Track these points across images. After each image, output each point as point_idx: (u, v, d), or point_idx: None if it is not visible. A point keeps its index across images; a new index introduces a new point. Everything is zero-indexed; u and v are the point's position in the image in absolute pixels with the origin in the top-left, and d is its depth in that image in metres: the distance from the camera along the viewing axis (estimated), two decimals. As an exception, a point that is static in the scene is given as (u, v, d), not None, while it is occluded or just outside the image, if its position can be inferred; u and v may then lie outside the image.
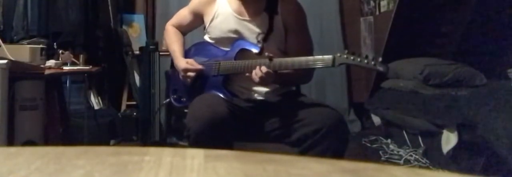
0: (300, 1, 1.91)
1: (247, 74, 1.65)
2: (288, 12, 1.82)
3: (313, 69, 1.78)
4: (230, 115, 1.58)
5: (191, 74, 1.81)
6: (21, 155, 0.55)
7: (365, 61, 1.48)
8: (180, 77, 1.86)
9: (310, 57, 1.58)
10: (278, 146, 1.70)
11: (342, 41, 4.13)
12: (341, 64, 1.52)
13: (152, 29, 4.08)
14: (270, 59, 1.62)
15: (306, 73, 1.79)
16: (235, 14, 1.83)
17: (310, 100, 1.82)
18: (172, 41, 1.97)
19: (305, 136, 1.57)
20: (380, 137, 3.41)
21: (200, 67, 1.82)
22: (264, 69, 1.60)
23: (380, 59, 1.47)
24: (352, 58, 1.50)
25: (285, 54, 1.80)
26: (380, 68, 1.47)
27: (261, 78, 1.61)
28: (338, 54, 1.52)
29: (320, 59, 1.55)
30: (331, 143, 1.55)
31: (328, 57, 1.53)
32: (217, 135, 1.53)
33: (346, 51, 1.52)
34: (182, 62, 1.84)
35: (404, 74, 3.24)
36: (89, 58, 2.95)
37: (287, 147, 1.67)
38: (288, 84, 1.89)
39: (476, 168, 2.41)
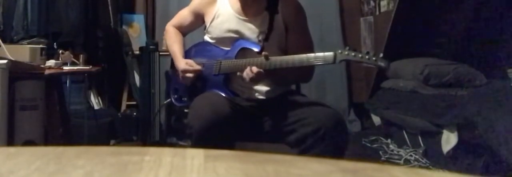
0: (300, 1, 1.91)
1: (238, 73, 1.66)
2: (288, 11, 1.82)
3: (313, 67, 1.78)
4: (232, 114, 1.58)
5: (189, 75, 1.81)
6: (21, 155, 0.55)
7: (367, 57, 1.49)
8: (180, 78, 1.86)
9: (311, 54, 1.58)
10: (278, 146, 1.70)
11: (342, 41, 4.13)
12: (342, 60, 1.53)
13: (152, 29, 4.08)
14: (266, 58, 1.62)
15: (306, 71, 1.80)
16: (236, 14, 1.83)
17: (309, 100, 1.82)
18: (172, 41, 1.97)
19: (305, 136, 1.57)
20: (380, 137, 3.41)
21: (199, 68, 1.82)
22: (254, 69, 1.61)
23: (381, 54, 1.48)
24: (353, 54, 1.51)
25: (286, 53, 1.81)
26: (382, 64, 1.48)
27: (251, 78, 1.62)
28: (339, 51, 1.52)
29: (321, 56, 1.56)
30: (330, 143, 1.55)
31: (329, 54, 1.54)
32: (219, 134, 1.53)
33: (347, 48, 1.53)
34: (181, 63, 1.85)
35: (404, 74, 3.24)
36: (89, 58, 2.94)
37: (287, 147, 1.67)
38: (287, 83, 1.89)
39: (476, 168, 2.41)
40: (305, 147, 1.58)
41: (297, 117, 1.63)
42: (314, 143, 1.56)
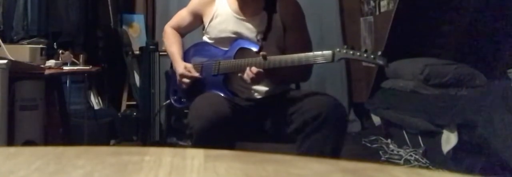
0: (300, 0, 1.91)
1: (239, 74, 1.66)
2: (286, 11, 1.82)
3: (311, 66, 1.78)
4: (231, 114, 1.58)
5: (186, 80, 1.81)
6: (21, 155, 0.55)
7: (365, 55, 1.49)
8: (177, 81, 1.86)
9: (310, 53, 1.58)
10: (278, 146, 1.70)
11: (342, 41, 4.13)
12: (340, 59, 1.53)
13: (152, 29, 4.08)
14: (264, 58, 1.62)
15: (304, 70, 1.80)
16: (235, 14, 1.83)
17: (306, 91, 1.82)
18: (171, 43, 1.97)
19: (305, 123, 1.57)
20: (380, 137, 3.41)
21: (196, 74, 1.82)
22: (254, 69, 1.61)
23: (380, 52, 1.48)
24: (351, 52, 1.51)
25: (284, 52, 1.81)
26: (380, 61, 1.48)
27: (252, 79, 1.62)
28: (337, 49, 1.53)
29: (319, 55, 1.56)
30: (331, 128, 1.55)
31: (328, 52, 1.54)
32: (219, 134, 1.53)
33: (345, 46, 1.53)
34: (180, 67, 1.84)
35: (404, 74, 3.24)
36: (89, 58, 2.94)
37: (287, 147, 1.67)
38: (285, 82, 1.89)
39: (476, 168, 2.40)
40: (306, 133, 1.57)
41: (295, 108, 1.63)
42: (314, 128, 1.55)
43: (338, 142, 1.58)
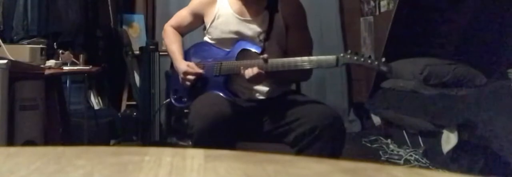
0: (301, 0, 1.91)
1: (241, 72, 1.66)
2: (288, 10, 1.82)
3: None
4: (232, 114, 1.58)
5: (191, 77, 1.81)
6: (21, 155, 0.55)
7: (369, 61, 1.50)
8: (180, 79, 1.86)
9: (313, 57, 1.58)
10: (278, 146, 1.70)
11: (342, 41, 4.13)
12: (344, 64, 1.53)
13: (152, 29, 4.08)
14: (265, 61, 1.62)
15: (305, 70, 1.79)
16: (236, 15, 1.83)
17: (307, 98, 1.82)
18: (171, 42, 1.97)
19: (302, 135, 1.57)
20: (380, 137, 3.41)
21: (200, 71, 1.81)
22: (255, 69, 1.61)
23: (383, 59, 1.48)
24: (355, 58, 1.51)
25: (286, 52, 1.81)
26: (384, 68, 1.48)
27: (251, 77, 1.63)
28: (341, 54, 1.53)
29: (323, 60, 1.56)
30: (327, 141, 1.55)
31: (332, 57, 1.54)
32: (220, 134, 1.53)
33: (349, 51, 1.54)
34: (182, 65, 1.84)
35: (404, 74, 3.24)
36: (89, 58, 2.94)
37: (287, 147, 1.67)
38: (286, 82, 1.89)
39: (476, 168, 2.40)
40: (302, 145, 1.58)
41: (294, 117, 1.64)
42: (310, 141, 1.56)
43: (334, 155, 1.58)
